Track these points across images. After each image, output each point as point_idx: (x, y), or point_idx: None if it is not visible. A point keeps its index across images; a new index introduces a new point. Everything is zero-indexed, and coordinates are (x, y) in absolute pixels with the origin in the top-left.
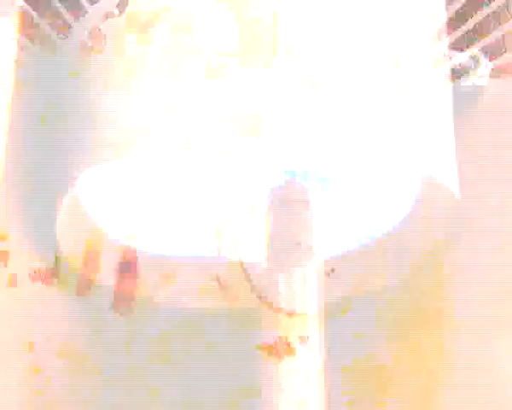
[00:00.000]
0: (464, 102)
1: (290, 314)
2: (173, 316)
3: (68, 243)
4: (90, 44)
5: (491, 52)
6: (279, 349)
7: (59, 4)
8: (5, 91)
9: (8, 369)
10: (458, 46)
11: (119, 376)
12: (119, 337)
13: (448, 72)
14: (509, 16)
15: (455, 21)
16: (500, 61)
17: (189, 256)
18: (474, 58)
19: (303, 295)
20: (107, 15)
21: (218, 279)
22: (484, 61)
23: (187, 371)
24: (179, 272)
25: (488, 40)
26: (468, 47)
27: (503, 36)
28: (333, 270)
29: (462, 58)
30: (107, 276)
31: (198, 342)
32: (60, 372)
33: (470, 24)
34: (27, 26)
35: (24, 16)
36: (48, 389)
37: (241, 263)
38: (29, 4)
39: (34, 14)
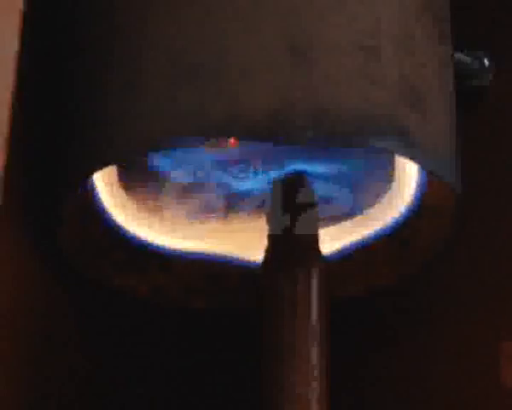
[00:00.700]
0: (467, 102)
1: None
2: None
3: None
4: None
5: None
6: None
7: None
8: (6, 91)
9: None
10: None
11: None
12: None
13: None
14: None
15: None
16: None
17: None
18: (478, 59)
19: (305, 295)
20: None
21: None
22: (487, 61)
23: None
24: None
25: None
26: (471, 48)
27: None
28: None
29: (465, 58)
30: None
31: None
32: None
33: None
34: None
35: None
36: None
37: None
38: None
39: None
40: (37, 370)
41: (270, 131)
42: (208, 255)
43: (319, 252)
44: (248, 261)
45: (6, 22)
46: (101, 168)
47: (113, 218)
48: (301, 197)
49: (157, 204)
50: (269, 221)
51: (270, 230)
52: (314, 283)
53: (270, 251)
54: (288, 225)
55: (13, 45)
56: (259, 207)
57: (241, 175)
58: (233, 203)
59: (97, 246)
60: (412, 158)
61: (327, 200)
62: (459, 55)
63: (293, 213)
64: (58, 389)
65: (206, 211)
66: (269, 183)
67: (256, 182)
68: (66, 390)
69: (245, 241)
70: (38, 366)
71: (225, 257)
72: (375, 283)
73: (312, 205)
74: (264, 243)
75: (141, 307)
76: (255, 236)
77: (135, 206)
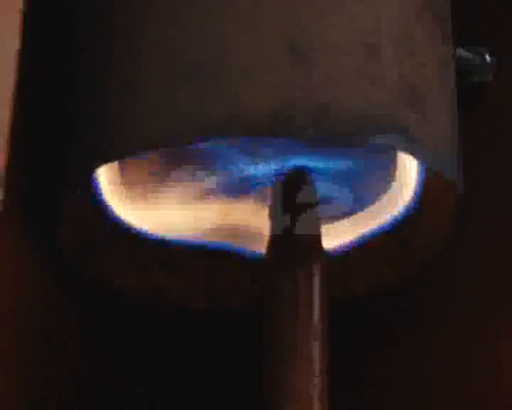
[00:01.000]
0: (468, 99)
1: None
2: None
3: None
4: None
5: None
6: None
7: None
8: (7, 91)
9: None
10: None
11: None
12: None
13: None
14: None
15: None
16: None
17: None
18: (480, 54)
19: (306, 295)
20: None
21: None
22: (489, 57)
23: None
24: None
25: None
26: (473, 43)
27: None
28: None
29: (467, 54)
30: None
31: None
32: None
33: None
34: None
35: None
36: None
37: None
38: None
39: None
40: (37, 370)
41: (271, 131)
42: (210, 245)
43: (321, 251)
44: (250, 252)
45: (6, 22)
46: (100, 168)
47: (113, 216)
48: (303, 196)
49: (156, 197)
50: (270, 217)
51: (271, 229)
52: (315, 282)
53: (270, 251)
54: (289, 225)
55: (13, 45)
56: (261, 202)
57: (241, 172)
58: (233, 197)
59: (97, 246)
60: (413, 154)
61: (327, 200)
62: (460, 51)
63: (294, 212)
64: (58, 389)
65: (207, 199)
66: (270, 179)
67: (256, 178)
68: (66, 390)
69: (246, 234)
70: (38, 366)
71: (226, 248)
72: (375, 283)
73: (314, 204)
74: (266, 235)
75: (141, 307)
76: (257, 228)
77: (134, 202)
